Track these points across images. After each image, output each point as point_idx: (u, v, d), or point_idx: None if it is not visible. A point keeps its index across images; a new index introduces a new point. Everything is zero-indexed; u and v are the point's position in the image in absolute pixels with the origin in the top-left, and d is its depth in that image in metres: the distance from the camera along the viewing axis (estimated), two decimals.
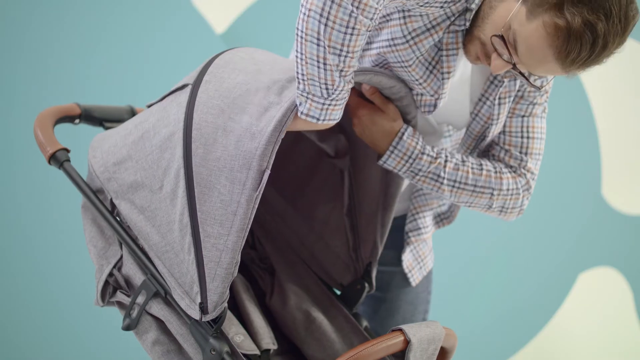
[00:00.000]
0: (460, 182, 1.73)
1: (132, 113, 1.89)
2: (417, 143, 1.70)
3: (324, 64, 1.40)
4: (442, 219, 2.04)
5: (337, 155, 1.83)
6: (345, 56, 1.40)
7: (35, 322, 3.22)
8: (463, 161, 1.74)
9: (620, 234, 3.46)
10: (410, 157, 1.69)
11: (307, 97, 1.43)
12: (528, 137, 1.77)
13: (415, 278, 2.02)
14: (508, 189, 1.76)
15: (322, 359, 1.72)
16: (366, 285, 1.81)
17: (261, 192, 1.40)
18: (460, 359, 2.20)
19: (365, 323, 1.79)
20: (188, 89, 1.54)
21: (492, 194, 1.75)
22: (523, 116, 1.77)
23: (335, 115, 1.47)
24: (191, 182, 1.44)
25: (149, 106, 1.66)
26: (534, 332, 3.43)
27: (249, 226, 1.41)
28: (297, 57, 1.42)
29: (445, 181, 1.72)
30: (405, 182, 1.94)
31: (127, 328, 1.56)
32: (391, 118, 1.70)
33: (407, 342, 1.45)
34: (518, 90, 1.76)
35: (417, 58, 1.64)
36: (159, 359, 1.55)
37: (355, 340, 1.74)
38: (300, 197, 1.90)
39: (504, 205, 1.77)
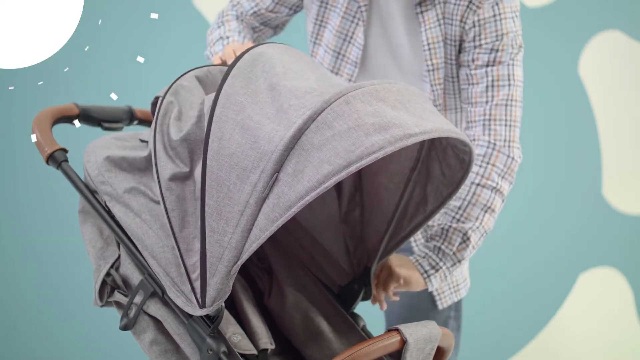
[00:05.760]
0: (483, 226, 1.87)
1: (131, 113, 1.89)
2: (439, 269, 1.86)
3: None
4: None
5: None
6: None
7: (34, 322, 3.23)
8: (463, 227, 1.86)
9: (620, 234, 3.46)
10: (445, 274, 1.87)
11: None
12: (510, 120, 1.90)
13: (443, 301, 2.06)
14: (503, 176, 1.88)
15: (320, 359, 1.73)
16: (363, 288, 1.81)
17: (292, 214, 1.37)
18: (460, 359, 2.21)
19: (362, 323, 1.79)
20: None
21: (497, 192, 1.86)
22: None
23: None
24: (204, 174, 1.44)
25: (155, 101, 1.65)
26: (534, 332, 3.43)
27: (268, 235, 1.38)
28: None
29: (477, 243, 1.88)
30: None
31: (124, 328, 1.57)
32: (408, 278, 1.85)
33: (403, 342, 1.45)
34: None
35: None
36: (157, 358, 1.56)
37: (352, 340, 1.74)
38: None
39: (510, 186, 1.90)
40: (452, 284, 2.10)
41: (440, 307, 2.09)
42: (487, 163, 1.87)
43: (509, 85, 1.88)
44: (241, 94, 1.47)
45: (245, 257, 1.41)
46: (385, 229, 1.76)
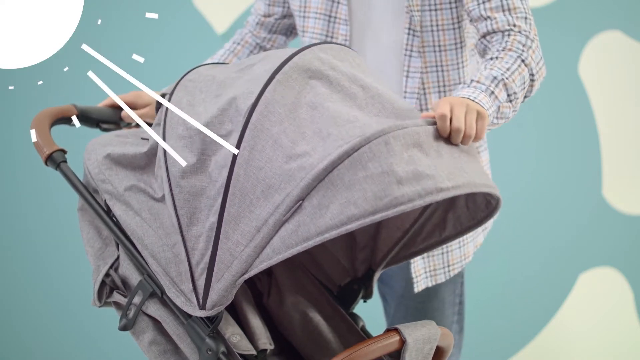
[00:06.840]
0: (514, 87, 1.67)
1: None
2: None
3: None
4: None
5: None
6: None
7: (34, 322, 3.23)
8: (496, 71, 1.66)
9: (620, 234, 3.46)
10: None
11: None
12: None
13: (419, 285, 2.03)
14: (524, 46, 1.71)
15: (319, 359, 1.73)
16: (363, 288, 1.81)
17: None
18: (460, 359, 2.21)
19: (361, 323, 1.79)
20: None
21: (523, 63, 1.69)
22: None
23: None
24: (229, 179, 1.43)
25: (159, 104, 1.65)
26: (534, 332, 3.43)
27: (280, 259, 1.37)
28: None
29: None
30: None
31: (123, 328, 1.57)
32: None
33: (402, 342, 1.46)
34: None
35: None
36: (156, 359, 1.56)
37: (351, 340, 1.74)
38: None
39: (537, 64, 1.72)
40: (429, 268, 2.06)
41: (415, 290, 2.04)
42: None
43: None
44: (281, 104, 1.43)
45: (253, 272, 1.40)
46: (400, 237, 1.74)
